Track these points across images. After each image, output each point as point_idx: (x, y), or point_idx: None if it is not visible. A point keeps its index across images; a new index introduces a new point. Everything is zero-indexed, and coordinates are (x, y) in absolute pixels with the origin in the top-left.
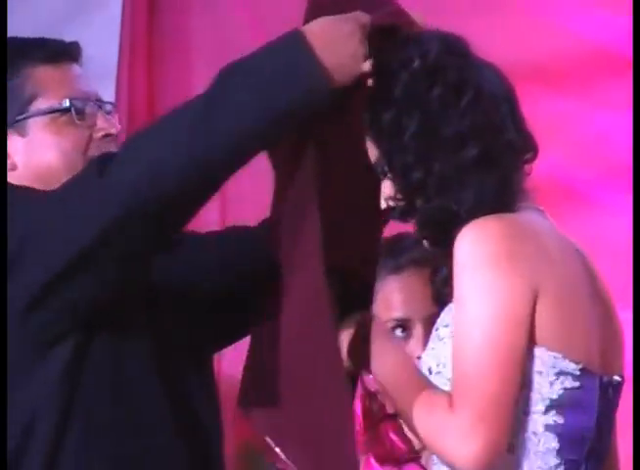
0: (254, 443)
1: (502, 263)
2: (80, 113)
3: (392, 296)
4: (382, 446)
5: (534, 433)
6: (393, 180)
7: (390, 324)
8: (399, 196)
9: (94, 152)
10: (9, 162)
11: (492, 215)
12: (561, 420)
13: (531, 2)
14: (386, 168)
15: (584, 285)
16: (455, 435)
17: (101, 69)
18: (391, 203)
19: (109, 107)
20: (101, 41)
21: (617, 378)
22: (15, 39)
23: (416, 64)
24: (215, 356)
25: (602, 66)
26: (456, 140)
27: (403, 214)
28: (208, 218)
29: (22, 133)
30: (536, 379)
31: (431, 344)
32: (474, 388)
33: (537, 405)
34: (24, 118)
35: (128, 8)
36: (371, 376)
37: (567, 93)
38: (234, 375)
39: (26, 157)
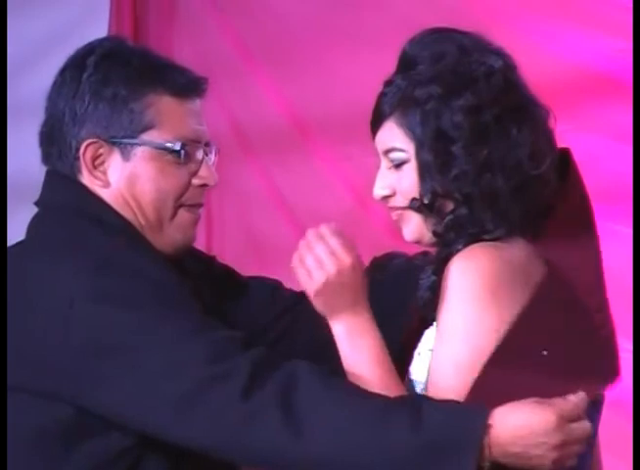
0: None
1: (487, 296)
2: (188, 157)
3: None
4: None
5: None
6: (424, 177)
7: None
8: (424, 193)
9: (186, 199)
10: (103, 178)
11: (484, 244)
12: None
13: (519, 24)
14: (418, 163)
15: None
16: None
17: None
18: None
19: (213, 150)
20: None
21: (598, 397)
22: (151, 59)
23: (487, 74)
24: None
25: (588, 88)
26: (513, 162)
27: (423, 209)
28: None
29: (126, 157)
30: None
31: (413, 367)
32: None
33: None
34: (133, 144)
35: (113, 27)
36: None
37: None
38: None
39: (122, 181)
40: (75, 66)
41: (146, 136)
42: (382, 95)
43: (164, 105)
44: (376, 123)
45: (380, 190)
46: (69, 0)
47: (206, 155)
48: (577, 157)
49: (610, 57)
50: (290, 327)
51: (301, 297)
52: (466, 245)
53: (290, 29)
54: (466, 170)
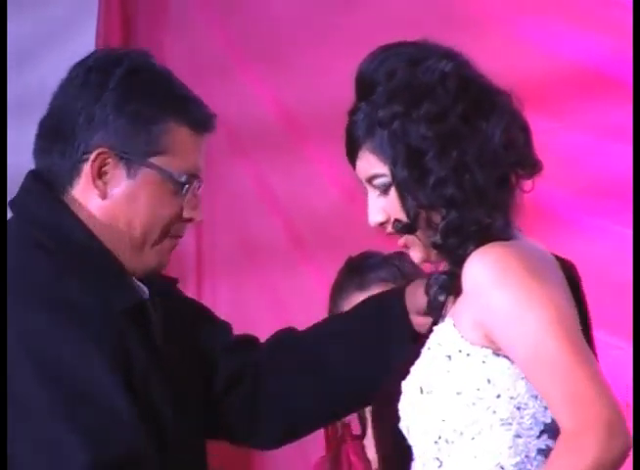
0: None
1: (539, 275)
2: (188, 192)
3: None
4: (342, 468)
5: (527, 456)
6: (404, 195)
7: None
8: (408, 212)
9: (174, 230)
10: (102, 189)
11: (502, 242)
12: (552, 444)
13: (513, 23)
14: (396, 183)
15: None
16: (603, 441)
17: None
18: (397, 217)
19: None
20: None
21: None
22: (176, 85)
23: (441, 79)
24: None
25: (581, 86)
26: (489, 155)
27: (407, 229)
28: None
29: (131, 175)
30: (531, 403)
31: (422, 362)
32: (588, 395)
33: (532, 430)
34: (141, 165)
35: (102, 30)
36: None
37: (541, 112)
38: None
39: (119, 197)
40: (102, 70)
41: (155, 160)
42: (350, 125)
43: (181, 135)
44: (352, 154)
45: (374, 216)
46: (57, 0)
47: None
48: (569, 154)
49: (602, 55)
50: (238, 371)
51: (253, 343)
52: (477, 246)
53: (280, 27)
54: (442, 177)
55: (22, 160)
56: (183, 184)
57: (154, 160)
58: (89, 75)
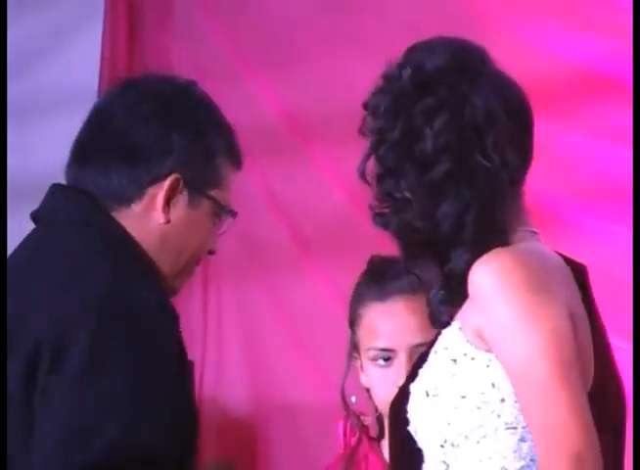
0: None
1: (541, 291)
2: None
3: (377, 324)
4: (359, 467)
5: (532, 460)
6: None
7: (374, 353)
8: (380, 204)
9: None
10: (165, 213)
11: (508, 247)
12: None
13: (515, 25)
14: (362, 173)
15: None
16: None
17: (82, 92)
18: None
19: None
20: (82, 65)
21: None
22: (223, 117)
23: (407, 75)
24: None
25: (583, 88)
26: (425, 158)
27: (383, 223)
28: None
29: (194, 205)
30: None
31: (429, 366)
32: (563, 426)
33: None
34: (203, 197)
35: (108, 31)
36: (354, 398)
37: (541, 114)
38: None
39: (179, 224)
40: (171, 99)
41: (214, 193)
42: None
43: (228, 169)
44: None
45: None
46: (63, 3)
47: None
48: (572, 156)
49: (605, 57)
50: None
51: None
52: (474, 256)
53: (285, 32)
54: (381, 174)
55: (21, 160)
56: (230, 215)
57: (213, 192)
58: (157, 103)
